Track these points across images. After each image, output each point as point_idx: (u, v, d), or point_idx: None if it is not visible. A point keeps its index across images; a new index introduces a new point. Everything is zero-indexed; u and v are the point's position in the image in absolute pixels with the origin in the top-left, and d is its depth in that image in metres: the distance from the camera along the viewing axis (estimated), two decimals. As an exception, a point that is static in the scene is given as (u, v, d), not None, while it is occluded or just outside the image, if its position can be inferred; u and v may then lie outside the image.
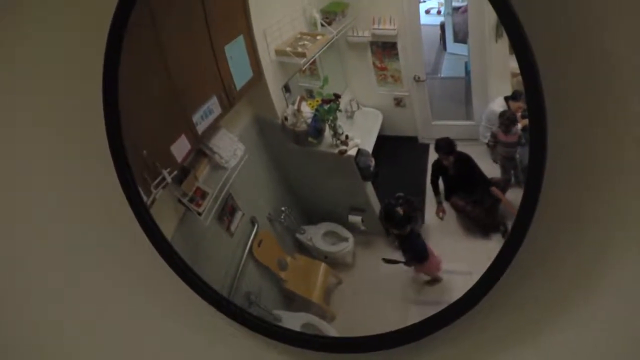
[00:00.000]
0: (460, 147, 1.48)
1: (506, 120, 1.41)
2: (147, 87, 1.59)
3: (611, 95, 1.35)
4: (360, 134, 1.56)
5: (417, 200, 1.55)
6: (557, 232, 1.45)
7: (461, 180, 1.50)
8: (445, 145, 1.49)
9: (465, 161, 1.48)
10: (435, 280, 1.60)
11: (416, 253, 1.60)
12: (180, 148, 1.58)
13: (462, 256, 1.52)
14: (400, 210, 1.58)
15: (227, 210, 1.62)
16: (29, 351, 1.90)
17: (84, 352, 1.85)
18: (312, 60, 1.54)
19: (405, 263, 1.60)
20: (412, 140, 1.55)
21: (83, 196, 1.77)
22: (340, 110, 1.55)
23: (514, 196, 1.38)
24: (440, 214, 1.54)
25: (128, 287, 1.79)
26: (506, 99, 1.40)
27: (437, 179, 1.53)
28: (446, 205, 1.55)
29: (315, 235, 1.63)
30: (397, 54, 1.50)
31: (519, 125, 1.39)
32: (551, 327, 1.51)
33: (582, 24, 1.34)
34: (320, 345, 1.61)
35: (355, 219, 1.60)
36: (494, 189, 1.47)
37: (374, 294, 1.61)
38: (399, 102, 1.54)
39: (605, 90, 1.36)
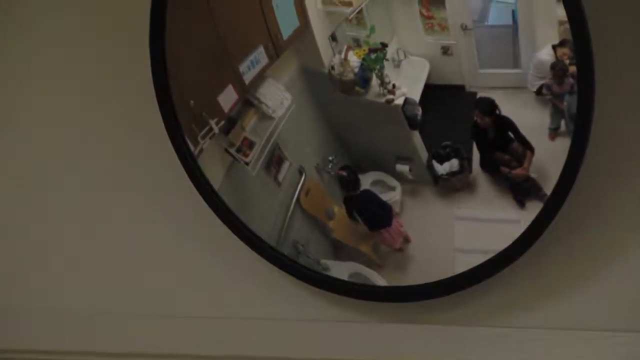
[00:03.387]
0: (508, 96, 1.53)
1: (559, 71, 1.47)
2: (194, 37, 1.66)
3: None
4: (407, 82, 1.60)
5: (465, 148, 1.61)
6: (605, 181, 1.55)
7: (502, 144, 1.57)
8: (484, 105, 1.54)
9: (508, 125, 1.54)
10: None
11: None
12: (227, 98, 1.67)
13: (509, 204, 1.59)
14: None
15: (274, 160, 1.70)
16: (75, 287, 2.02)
17: (125, 297, 1.96)
18: (359, 9, 1.58)
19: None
20: (460, 88, 1.58)
21: (130, 147, 1.86)
22: (387, 59, 1.60)
23: (565, 145, 1.47)
24: None
25: (175, 237, 1.88)
26: (554, 47, 1.47)
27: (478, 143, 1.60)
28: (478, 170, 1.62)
29: (363, 184, 1.69)
30: (443, 2, 1.53)
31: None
32: (600, 276, 1.62)
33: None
34: (369, 294, 1.71)
35: (403, 167, 1.66)
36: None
37: (422, 242, 1.68)
38: (446, 50, 1.58)
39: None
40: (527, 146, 1.55)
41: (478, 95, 1.57)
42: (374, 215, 1.72)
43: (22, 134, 1.99)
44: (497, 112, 1.55)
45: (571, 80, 1.47)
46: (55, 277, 2.03)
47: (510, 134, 1.56)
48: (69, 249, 2.00)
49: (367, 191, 1.70)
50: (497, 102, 1.55)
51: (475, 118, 1.58)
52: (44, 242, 2.03)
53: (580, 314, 1.65)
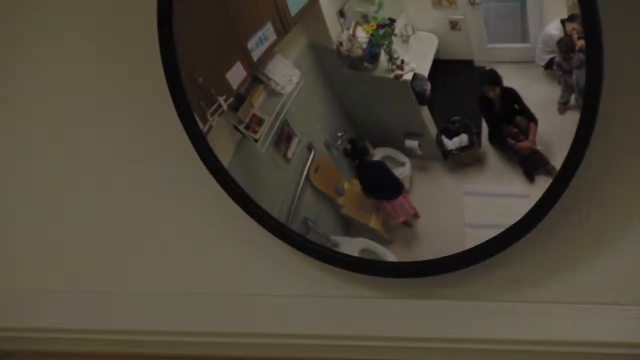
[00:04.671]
0: (517, 70, 1.56)
1: (564, 47, 1.50)
2: (202, 14, 1.68)
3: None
4: (416, 58, 1.62)
5: (474, 123, 1.63)
6: (615, 155, 1.59)
7: (509, 117, 1.59)
8: (491, 76, 1.56)
9: (514, 97, 1.56)
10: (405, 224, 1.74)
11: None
12: (236, 75, 1.69)
13: (519, 179, 1.62)
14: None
15: (283, 137, 1.72)
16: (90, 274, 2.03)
17: (132, 274, 1.99)
18: (367, -16, 1.59)
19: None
20: (468, 63, 1.60)
21: (139, 125, 1.88)
22: (395, 35, 1.61)
23: (574, 119, 1.49)
24: None
25: (185, 214, 1.90)
26: (562, 21, 1.49)
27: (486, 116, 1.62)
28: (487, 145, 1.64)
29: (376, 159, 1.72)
30: (451, -23, 1.55)
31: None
32: (609, 250, 1.65)
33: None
34: (379, 270, 1.75)
35: (412, 143, 1.68)
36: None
37: (432, 218, 1.71)
38: (454, 25, 1.59)
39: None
40: (531, 118, 1.58)
41: (481, 74, 1.61)
42: (379, 185, 1.76)
43: (31, 109, 2.01)
44: (502, 82, 1.58)
45: (580, 55, 1.49)
46: (66, 256, 2.05)
47: (517, 106, 1.58)
48: (78, 227, 2.02)
49: (378, 162, 1.72)
50: (506, 76, 1.57)
51: (486, 92, 1.60)
52: (52, 222, 2.06)
53: (590, 288, 1.68)
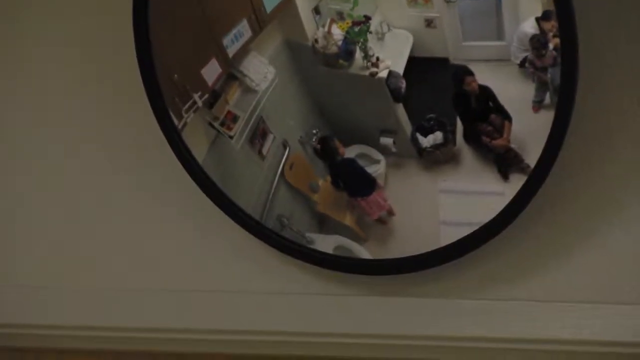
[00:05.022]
0: (492, 68, 1.57)
1: (536, 43, 1.51)
2: (178, 11, 1.68)
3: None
4: (391, 55, 1.62)
5: (449, 121, 1.64)
6: (588, 154, 1.59)
7: (483, 115, 1.60)
8: (464, 69, 1.57)
9: (488, 95, 1.57)
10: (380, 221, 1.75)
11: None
12: (211, 72, 1.68)
13: (493, 176, 1.62)
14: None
15: (258, 134, 1.72)
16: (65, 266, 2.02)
17: (111, 272, 1.98)
18: (342, -19, 1.59)
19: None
20: (443, 61, 1.60)
21: (114, 121, 1.87)
22: (370, 32, 1.61)
23: (548, 117, 1.50)
24: None
25: (159, 211, 1.89)
26: (537, 19, 1.50)
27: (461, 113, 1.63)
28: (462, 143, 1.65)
29: (347, 155, 1.72)
30: (427, -26, 1.55)
31: (551, 46, 1.50)
32: (583, 247, 1.66)
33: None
34: (353, 267, 1.75)
35: (387, 141, 1.69)
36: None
37: (406, 215, 1.71)
38: (429, 23, 1.59)
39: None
40: (505, 116, 1.59)
41: (455, 69, 1.62)
42: (354, 183, 1.76)
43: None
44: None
45: (554, 53, 1.50)
46: (41, 255, 2.05)
47: (491, 104, 1.59)
48: (54, 227, 2.02)
49: (349, 159, 1.73)
50: (481, 74, 1.58)
51: (467, 84, 1.60)
52: (31, 219, 2.05)
53: (563, 286, 1.69)
